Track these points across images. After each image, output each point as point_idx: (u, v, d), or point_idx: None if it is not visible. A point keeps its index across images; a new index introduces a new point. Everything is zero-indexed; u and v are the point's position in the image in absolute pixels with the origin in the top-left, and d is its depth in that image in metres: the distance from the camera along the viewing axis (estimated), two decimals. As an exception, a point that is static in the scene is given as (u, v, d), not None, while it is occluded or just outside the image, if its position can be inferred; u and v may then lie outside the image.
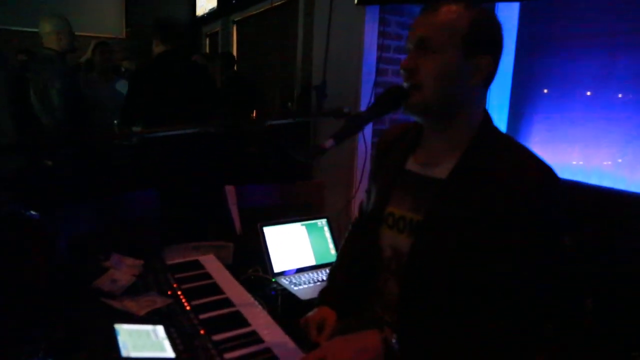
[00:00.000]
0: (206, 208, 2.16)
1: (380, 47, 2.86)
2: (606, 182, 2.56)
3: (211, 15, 7.24)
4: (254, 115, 5.49)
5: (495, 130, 1.15)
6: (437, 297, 1.09)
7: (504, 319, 1.02)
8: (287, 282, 1.91)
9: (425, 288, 1.10)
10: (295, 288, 1.88)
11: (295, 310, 1.33)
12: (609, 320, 1.90)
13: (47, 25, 3.18)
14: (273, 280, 1.92)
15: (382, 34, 2.86)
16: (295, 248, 2.06)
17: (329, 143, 0.99)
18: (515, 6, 2.96)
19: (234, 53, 6.97)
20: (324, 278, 1.97)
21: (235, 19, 6.80)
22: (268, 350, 1.03)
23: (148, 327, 1.04)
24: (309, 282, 1.93)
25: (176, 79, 2.97)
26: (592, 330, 1.87)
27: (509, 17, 3.00)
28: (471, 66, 1.06)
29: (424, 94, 1.06)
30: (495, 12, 2.98)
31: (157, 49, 3.02)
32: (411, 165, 1.21)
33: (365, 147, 2.82)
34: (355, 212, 2.92)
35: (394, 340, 1.01)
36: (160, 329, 1.04)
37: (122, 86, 4.17)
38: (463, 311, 1.05)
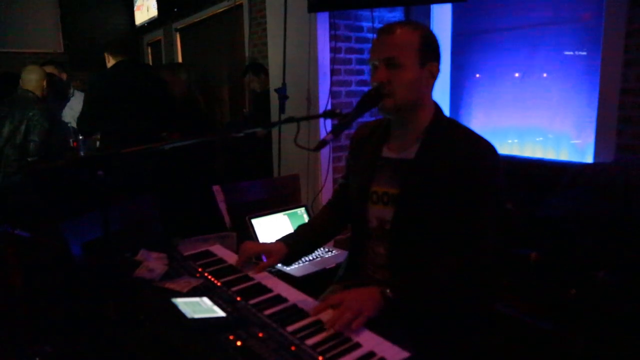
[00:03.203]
0: (199, 207, 2.37)
1: (333, 49, 3.15)
2: (538, 154, 2.97)
3: (152, 23, 7.24)
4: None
5: (445, 117, 1.50)
6: (416, 249, 1.41)
7: (468, 260, 1.35)
8: (279, 265, 2.16)
9: (407, 244, 1.43)
10: (288, 268, 2.13)
11: (293, 285, 1.55)
12: (550, 269, 2.27)
13: (35, 73, 3.57)
14: (266, 264, 2.17)
15: (333, 37, 3.15)
16: (281, 235, 2.31)
17: (329, 137, 1.26)
18: (448, 5, 3.33)
19: (179, 61, 7.05)
20: (310, 258, 2.25)
21: (178, 27, 6.86)
22: (295, 306, 1.29)
23: (196, 299, 1.27)
24: (298, 262, 2.19)
25: (131, 85, 3.22)
26: (536, 277, 2.23)
27: (443, 14, 3.35)
28: (426, 72, 1.42)
29: (396, 99, 1.39)
30: (431, 10, 3.34)
31: (109, 63, 3.31)
32: (386, 153, 1.54)
33: (329, 145, 3.11)
34: (323, 200, 3.20)
35: (388, 291, 1.29)
36: (206, 299, 1.28)
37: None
38: (437, 257, 1.38)
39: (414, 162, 1.43)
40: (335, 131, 1.28)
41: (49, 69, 4.29)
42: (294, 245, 1.63)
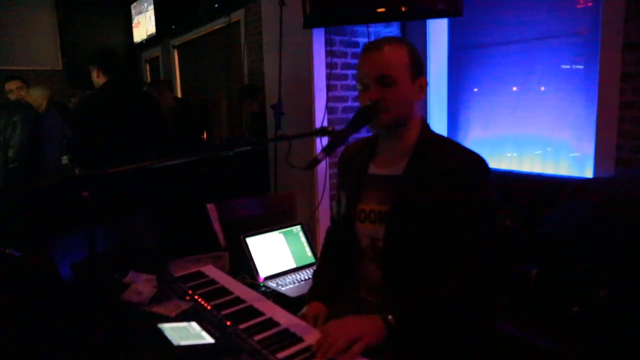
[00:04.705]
0: (192, 225, 2.33)
1: (329, 65, 3.13)
2: (537, 167, 2.93)
3: (150, 40, 7.24)
4: (205, 136, 5.63)
5: (432, 132, 1.48)
6: (411, 265, 1.36)
7: (465, 276, 1.30)
8: (274, 285, 2.12)
9: (401, 261, 1.38)
10: (283, 288, 2.09)
11: (288, 306, 1.50)
12: (551, 286, 2.23)
13: (40, 91, 3.79)
14: (261, 284, 2.13)
15: (329, 53, 3.13)
16: (276, 254, 2.27)
17: (321, 156, 1.23)
18: (445, 20, 3.32)
19: (177, 77, 7.06)
20: (306, 278, 2.20)
21: (176, 44, 6.87)
22: (287, 330, 1.24)
23: (184, 324, 1.23)
24: (294, 282, 2.15)
25: (124, 108, 3.04)
26: (536, 294, 2.19)
27: (440, 29, 3.34)
28: (417, 87, 1.40)
29: (391, 115, 1.36)
30: (427, 25, 3.33)
31: (99, 79, 3.06)
32: (373, 169, 1.50)
33: (325, 161, 3.08)
34: (320, 218, 3.16)
35: (390, 317, 1.24)
36: (194, 324, 1.24)
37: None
38: (433, 275, 1.33)
39: (402, 177, 1.40)
40: (328, 149, 1.25)
41: (16, 83, 4.21)
42: (328, 299, 1.54)
